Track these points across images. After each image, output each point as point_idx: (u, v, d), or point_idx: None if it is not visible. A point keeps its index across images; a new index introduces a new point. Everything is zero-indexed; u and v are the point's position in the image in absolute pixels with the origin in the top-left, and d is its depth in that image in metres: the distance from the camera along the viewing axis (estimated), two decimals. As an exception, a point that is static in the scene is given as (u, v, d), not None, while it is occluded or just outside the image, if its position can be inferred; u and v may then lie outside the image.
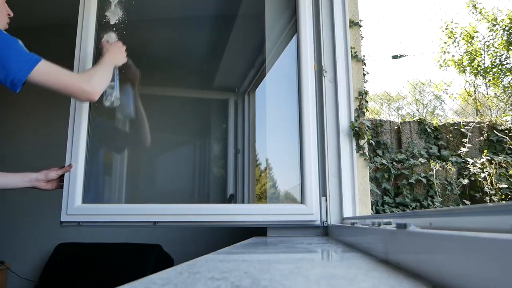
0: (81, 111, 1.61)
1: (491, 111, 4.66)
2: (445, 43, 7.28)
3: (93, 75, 1.25)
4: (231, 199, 1.81)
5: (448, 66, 7.25)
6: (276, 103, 1.94)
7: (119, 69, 1.56)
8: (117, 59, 1.47)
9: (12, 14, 1.28)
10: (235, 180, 1.87)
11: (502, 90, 6.31)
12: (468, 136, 3.40)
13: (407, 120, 3.55)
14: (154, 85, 1.76)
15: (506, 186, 3.06)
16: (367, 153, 1.76)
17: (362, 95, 1.81)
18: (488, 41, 6.95)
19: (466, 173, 3.20)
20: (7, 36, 1.09)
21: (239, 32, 1.97)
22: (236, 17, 2.01)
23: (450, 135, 3.46)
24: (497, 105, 5.27)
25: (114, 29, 1.65)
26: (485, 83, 6.61)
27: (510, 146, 3.30)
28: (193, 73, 1.87)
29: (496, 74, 6.56)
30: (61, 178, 1.58)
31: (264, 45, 1.97)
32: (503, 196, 3.04)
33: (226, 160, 1.91)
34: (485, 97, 5.75)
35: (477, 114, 4.55)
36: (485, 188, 3.07)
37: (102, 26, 1.70)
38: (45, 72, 1.10)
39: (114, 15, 1.71)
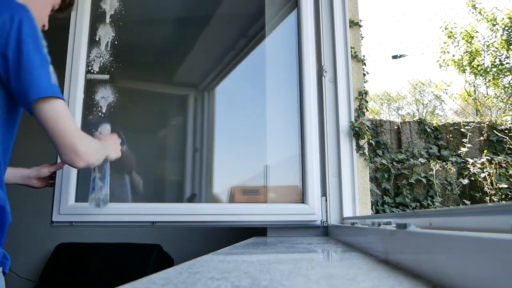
0: (75, 101, 1.55)
1: (491, 111, 4.66)
2: (445, 43, 7.28)
3: (93, 143, 1.12)
4: (192, 199, 1.77)
5: (448, 65, 7.26)
6: (241, 100, 1.92)
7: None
8: (111, 153, 1.32)
9: (46, 28, 1.21)
10: (193, 179, 1.82)
11: (502, 90, 6.31)
12: (468, 136, 3.40)
13: (407, 120, 3.55)
14: (116, 76, 1.71)
15: (506, 186, 3.06)
16: (367, 153, 1.76)
17: (362, 95, 1.81)
18: (488, 41, 6.96)
19: (466, 173, 3.20)
20: (46, 55, 1.03)
21: (210, 31, 1.95)
22: (211, 17, 1.99)
23: (450, 135, 3.46)
24: (497, 105, 5.27)
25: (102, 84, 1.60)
26: (485, 83, 6.61)
27: (510, 146, 3.30)
28: (154, 67, 1.80)
29: (496, 74, 6.56)
30: (51, 176, 1.45)
31: (236, 44, 1.96)
32: (503, 196, 3.04)
33: (184, 158, 1.83)
34: (485, 97, 5.75)
35: (477, 114, 4.55)
36: (485, 188, 3.07)
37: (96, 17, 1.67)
38: (60, 110, 1.01)
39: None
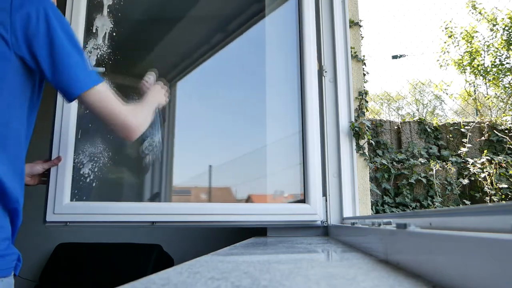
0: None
1: (491, 111, 4.66)
2: (445, 43, 7.28)
3: (139, 112, 1.16)
4: (155, 198, 1.74)
5: (448, 65, 7.26)
6: (206, 95, 1.88)
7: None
8: (160, 101, 1.36)
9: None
10: (152, 177, 1.74)
11: (502, 90, 6.31)
12: (468, 136, 3.40)
13: (407, 120, 3.55)
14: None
15: (506, 186, 3.06)
16: (367, 153, 1.76)
17: (362, 95, 1.82)
18: (488, 41, 6.96)
19: (466, 173, 3.20)
20: (78, 43, 1.03)
21: (181, 28, 1.91)
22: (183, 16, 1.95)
23: (450, 135, 3.46)
24: (497, 105, 5.27)
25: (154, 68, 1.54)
26: (485, 83, 6.61)
27: (510, 146, 3.30)
28: (117, 58, 1.75)
29: (496, 74, 6.56)
30: (44, 173, 1.41)
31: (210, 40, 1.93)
32: (503, 196, 3.04)
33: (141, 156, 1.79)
34: (485, 97, 5.75)
35: (477, 114, 4.55)
36: (485, 188, 3.07)
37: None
38: (102, 94, 1.02)
39: None
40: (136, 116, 1.11)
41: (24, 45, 0.95)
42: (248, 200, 1.73)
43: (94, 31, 1.65)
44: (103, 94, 1.03)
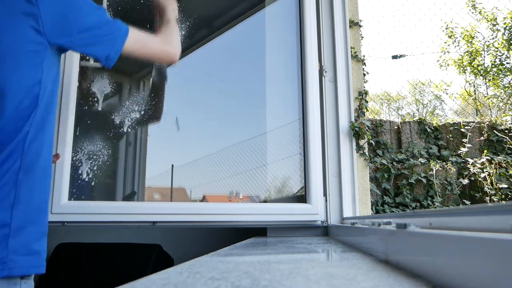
0: (69, 92, 1.46)
1: (491, 111, 4.66)
2: (445, 42, 7.28)
3: (170, 36, 1.23)
4: (132, 196, 1.71)
5: (448, 65, 7.26)
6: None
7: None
8: (176, 12, 1.37)
9: None
10: (125, 174, 1.70)
11: (502, 90, 6.31)
12: (468, 136, 3.40)
13: (407, 120, 3.55)
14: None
15: (506, 186, 3.06)
16: (367, 153, 1.76)
17: (362, 95, 1.81)
18: (488, 41, 6.96)
19: (466, 173, 3.20)
20: (97, 7, 1.05)
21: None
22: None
23: (450, 135, 3.46)
24: (497, 105, 5.27)
25: None
26: (485, 83, 6.61)
27: (510, 146, 3.30)
28: None
29: (496, 74, 6.56)
30: None
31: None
32: (503, 196, 3.04)
33: (117, 153, 1.70)
34: (485, 97, 5.75)
35: (477, 114, 4.55)
36: (485, 188, 3.07)
37: None
38: (135, 40, 1.08)
39: None
40: (171, 42, 1.20)
41: (57, 31, 0.96)
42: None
43: None
44: (135, 38, 1.09)
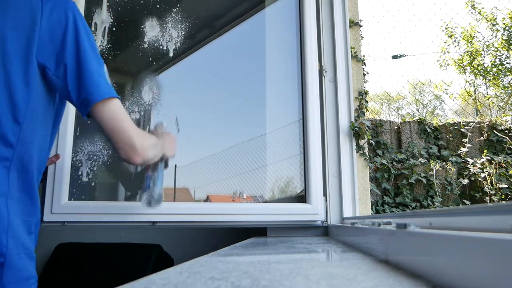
0: None
1: (491, 111, 4.66)
2: (445, 43, 7.28)
3: (149, 139, 1.11)
4: (135, 196, 1.71)
5: (448, 65, 7.26)
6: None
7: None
8: (167, 151, 1.27)
9: None
10: (125, 174, 1.68)
11: (502, 90, 6.31)
12: (468, 136, 3.40)
13: (407, 120, 3.55)
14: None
15: (506, 186, 3.06)
16: (367, 153, 1.76)
17: (362, 95, 1.82)
18: (488, 41, 6.96)
19: (466, 173, 3.20)
20: (98, 53, 1.01)
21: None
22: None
23: (450, 135, 3.46)
24: (497, 105, 5.28)
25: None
26: (485, 83, 6.61)
27: (510, 146, 3.30)
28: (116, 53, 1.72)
29: (496, 74, 6.56)
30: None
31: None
32: (503, 196, 3.04)
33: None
34: (485, 97, 5.75)
35: (477, 114, 4.56)
36: (485, 188, 3.07)
37: None
38: (117, 107, 0.99)
39: None
40: (144, 140, 1.06)
41: (51, 51, 0.93)
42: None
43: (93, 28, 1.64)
44: (119, 109, 1.00)
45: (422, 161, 3.23)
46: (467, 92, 6.10)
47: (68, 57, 0.94)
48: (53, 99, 1.02)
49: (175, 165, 1.71)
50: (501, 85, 6.42)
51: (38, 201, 1.02)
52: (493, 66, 6.69)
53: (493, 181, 3.09)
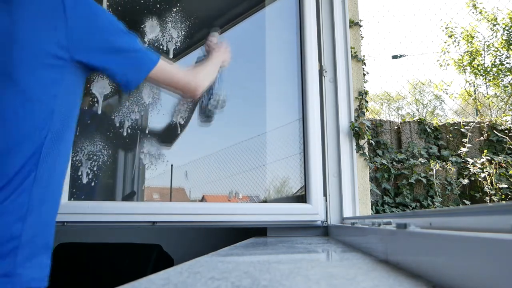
0: None
1: (491, 111, 4.66)
2: (445, 43, 7.28)
3: (200, 71, 1.24)
4: (131, 196, 1.71)
5: (448, 65, 7.26)
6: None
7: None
8: (224, 61, 1.42)
9: None
10: (124, 175, 1.71)
11: (502, 90, 6.31)
12: (468, 136, 3.40)
13: (407, 120, 3.55)
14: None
15: (506, 186, 3.06)
16: (367, 153, 1.76)
17: (362, 95, 1.82)
18: (488, 41, 6.96)
19: (466, 173, 3.20)
20: (129, 32, 1.02)
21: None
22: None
23: (450, 135, 3.46)
24: (497, 105, 5.28)
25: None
26: (485, 83, 6.61)
27: (510, 146, 3.30)
28: None
29: (496, 74, 6.56)
30: None
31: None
32: (503, 196, 3.04)
33: (117, 153, 1.71)
34: (485, 97, 5.75)
35: (477, 114, 4.56)
36: (485, 188, 3.07)
37: None
38: (160, 70, 1.07)
39: None
40: (195, 76, 1.18)
41: (83, 47, 0.92)
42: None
43: None
44: (164, 66, 1.08)
45: (422, 161, 3.23)
46: (467, 92, 6.09)
47: (106, 46, 0.96)
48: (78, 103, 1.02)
49: (172, 165, 1.71)
50: (501, 85, 6.42)
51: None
52: (493, 66, 6.69)
53: (493, 181, 3.09)
